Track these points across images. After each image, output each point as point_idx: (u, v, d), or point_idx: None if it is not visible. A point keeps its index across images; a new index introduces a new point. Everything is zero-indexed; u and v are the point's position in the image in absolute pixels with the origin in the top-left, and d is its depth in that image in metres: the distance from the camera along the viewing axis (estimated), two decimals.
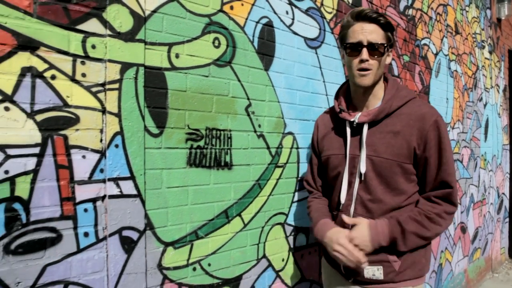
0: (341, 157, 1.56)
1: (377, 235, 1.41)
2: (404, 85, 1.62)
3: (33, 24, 1.21)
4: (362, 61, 1.43)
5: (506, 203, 5.10)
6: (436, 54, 3.37)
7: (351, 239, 1.41)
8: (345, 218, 1.47)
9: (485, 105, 4.32)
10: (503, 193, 5.00)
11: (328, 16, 2.26)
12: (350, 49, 1.45)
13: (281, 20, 1.98)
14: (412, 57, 3.04)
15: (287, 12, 2.01)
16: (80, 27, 1.30)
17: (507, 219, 5.15)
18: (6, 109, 1.17)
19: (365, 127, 1.48)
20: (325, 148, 1.64)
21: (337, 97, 1.63)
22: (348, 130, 1.53)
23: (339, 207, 1.56)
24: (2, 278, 1.17)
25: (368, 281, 1.49)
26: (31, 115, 1.21)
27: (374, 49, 1.42)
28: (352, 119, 1.51)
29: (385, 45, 1.44)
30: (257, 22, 1.86)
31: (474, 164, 4.02)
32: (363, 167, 1.47)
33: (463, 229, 3.83)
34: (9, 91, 1.17)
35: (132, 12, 1.43)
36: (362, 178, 1.48)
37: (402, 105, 1.48)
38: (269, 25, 1.92)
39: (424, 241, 1.45)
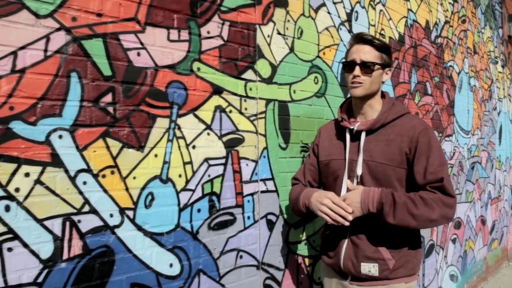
0: (340, 161, 1.70)
1: (367, 198, 1.53)
2: (400, 102, 1.84)
3: (219, 76, 1.84)
4: (354, 76, 1.61)
5: None
6: (458, 73, 4.00)
7: (344, 198, 1.55)
8: (349, 183, 1.61)
9: (498, 113, 4.94)
10: None
11: None
12: (346, 66, 1.65)
13: None
14: (441, 78, 3.67)
15: None
16: (243, 76, 1.93)
17: None
18: (208, 134, 1.79)
19: (363, 135, 1.64)
20: (326, 154, 1.77)
21: (340, 108, 1.79)
22: (348, 137, 1.69)
23: None
24: (207, 245, 1.78)
25: (364, 278, 1.62)
26: (220, 137, 1.83)
27: (366, 67, 1.60)
28: (352, 127, 1.67)
29: (377, 63, 1.61)
30: (339, 62, 2.48)
31: (490, 165, 4.63)
32: (359, 170, 1.62)
33: (483, 222, 4.44)
34: (208, 121, 1.79)
35: (270, 63, 2.05)
36: (358, 180, 1.63)
37: (396, 118, 1.64)
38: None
39: (413, 220, 1.50)
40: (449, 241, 3.73)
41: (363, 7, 2.71)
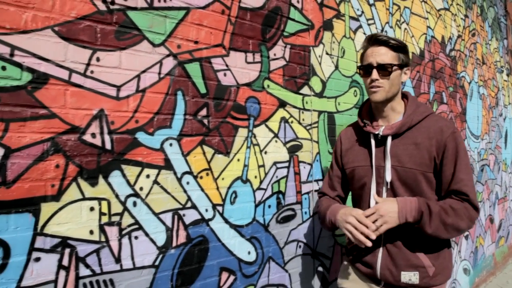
0: (366, 168, 1.63)
1: (405, 207, 1.46)
2: (422, 102, 1.73)
3: (283, 92, 2.14)
4: (372, 80, 1.55)
5: None
6: (469, 83, 4.33)
7: (376, 209, 1.46)
8: (376, 197, 1.53)
9: (504, 119, 5.29)
10: None
11: None
12: (363, 70, 1.59)
13: None
14: (454, 88, 3.99)
15: None
16: (300, 91, 2.23)
17: None
18: (275, 141, 2.09)
19: (389, 139, 1.57)
20: (350, 161, 1.71)
21: (360, 113, 1.72)
22: (373, 142, 1.61)
23: None
24: (275, 236, 2.08)
25: (402, 285, 1.56)
26: (284, 144, 2.13)
27: (384, 69, 1.52)
28: (376, 132, 1.59)
29: (395, 64, 1.54)
30: None
31: (497, 168, 4.96)
32: (388, 176, 1.55)
33: (491, 220, 4.76)
34: (276, 131, 2.09)
35: (321, 80, 2.36)
36: (388, 187, 1.57)
37: (421, 119, 1.58)
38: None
39: (444, 230, 1.48)
40: (463, 237, 4.04)
41: (391, 27, 3.03)
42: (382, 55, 1.54)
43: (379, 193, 1.60)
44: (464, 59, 4.21)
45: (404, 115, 1.60)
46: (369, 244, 1.44)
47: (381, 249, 1.60)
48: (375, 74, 1.54)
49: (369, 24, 2.77)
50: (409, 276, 1.55)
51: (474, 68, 4.44)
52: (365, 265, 1.65)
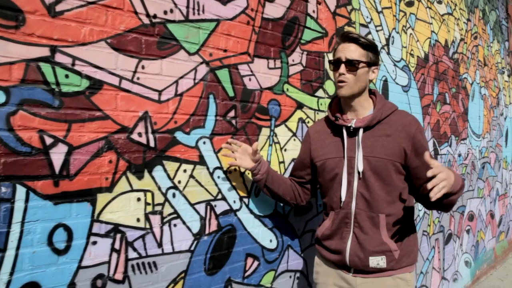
0: (338, 159, 1.71)
1: (456, 179, 1.46)
2: (387, 100, 1.86)
3: (301, 95, 2.33)
4: (339, 74, 1.64)
5: None
6: (471, 84, 4.52)
7: (440, 171, 1.36)
8: (427, 157, 1.44)
9: (505, 118, 5.48)
10: None
11: (412, 69, 3.40)
12: (332, 65, 1.69)
13: (391, 76, 3.11)
14: (457, 89, 4.18)
15: (393, 71, 3.14)
16: (316, 94, 2.43)
17: None
18: (294, 139, 2.28)
19: (361, 131, 1.66)
20: (321, 154, 1.79)
21: (330, 108, 1.81)
22: (345, 134, 1.70)
23: (340, 204, 1.71)
24: (294, 226, 2.28)
25: (371, 270, 1.64)
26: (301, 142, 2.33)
27: (351, 65, 1.61)
28: (349, 125, 1.69)
29: (362, 61, 1.62)
30: (380, 80, 2.99)
31: (498, 165, 5.16)
32: (360, 166, 1.63)
33: (492, 216, 4.96)
34: (294, 130, 2.29)
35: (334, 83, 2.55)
36: (361, 176, 1.65)
37: (389, 114, 1.69)
38: (385, 81, 3.05)
39: (456, 202, 1.56)
40: (464, 231, 4.24)
41: (398, 32, 3.22)
42: (351, 51, 1.63)
43: (350, 183, 1.68)
44: (466, 61, 4.40)
45: (374, 110, 1.69)
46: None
47: (350, 236, 1.68)
48: (342, 68, 1.63)
49: (377, 31, 2.96)
50: (377, 261, 1.62)
51: (476, 70, 4.63)
52: (334, 253, 1.74)
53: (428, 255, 3.57)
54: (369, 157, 1.64)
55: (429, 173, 1.35)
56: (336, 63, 1.67)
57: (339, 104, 1.80)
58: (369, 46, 1.66)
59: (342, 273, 1.74)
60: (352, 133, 1.70)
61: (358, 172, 1.65)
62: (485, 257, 4.80)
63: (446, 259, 3.89)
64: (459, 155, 4.10)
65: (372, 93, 1.77)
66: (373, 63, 1.68)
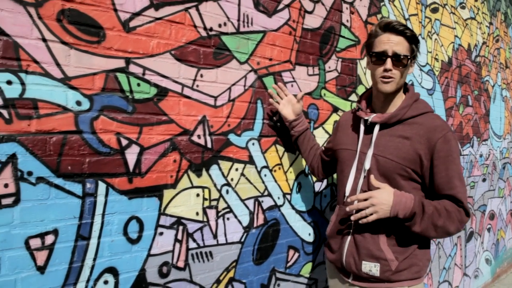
0: (352, 152, 1.65)
1: (399, 204, 1.41)
2: (423, 100, 1.66)
3: (336, 99, 2.49)
4: (385, 70, 1.48)
5: None
6: (493, 86, 4.62)
7: (370, 196, 1.41)
8: (373, 180, 1.47)
9: None
10: None
11: (437, 73, 3.53)
12: (375, 57, 1.51)
13: (416, 80, 3.25)
14: (479, 91, 4.29)
15: (419, 75, 3.28)
16: (349, 98, 2.58)
17: None
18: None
19: (377, 127, 1.55)
20: (340, 142, 1.75)
21: (359, 99, 1.73)
22: (362, 128, 1.61)
23: (343, 199, 1.66)
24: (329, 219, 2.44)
25: (366, 277, 1.55)
26: None
27: (398, 60, 1.47)
28: (366, 117, 1.58)
29: (409, 56, 1.49)
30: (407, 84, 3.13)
31: None
32: (367, 164, 1.54)
33: None
34: (330, 132, 2.45)
35: (366, 88, 2.71)
36: (365, 174, 1.56)
37: (416, 115, 1.53)
38: (411, 85, 3.19)
39: (434, 231, 1.45)
40: (485, 230, 4.35)
41: (423, 38, 3.35)
42: (399, 44, 1.48)
43: (356, 179, 1.60)
44: (488, 64, 4.50)
45: (397, 108, 1.56)
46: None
47: (349, 237, 1.64)
48: (389, 63, 1.48)
49: None
50: (370, 267, 1.53)
51: (497, 72, 4.73)
52: (333, 252, 1.74)
53: (450, 251, 3.70)
54: (379, 156, 1.54)
55: (361, 196, 1.48)
56: (380, 56, 1.50)
57: (370, 96, 1.70)
58: (414, 38, 1.52)
59: (342, 278, 1.71)
60: (370, 128, 1.61)
61: (365, 170, 1.57)
62: (505, 256, 4.89)
63: (467, 256, 4.02)
64: (481, 156, 4.21)
65: (406, 89, 1.65)
66: (414, 57, 1.56)
